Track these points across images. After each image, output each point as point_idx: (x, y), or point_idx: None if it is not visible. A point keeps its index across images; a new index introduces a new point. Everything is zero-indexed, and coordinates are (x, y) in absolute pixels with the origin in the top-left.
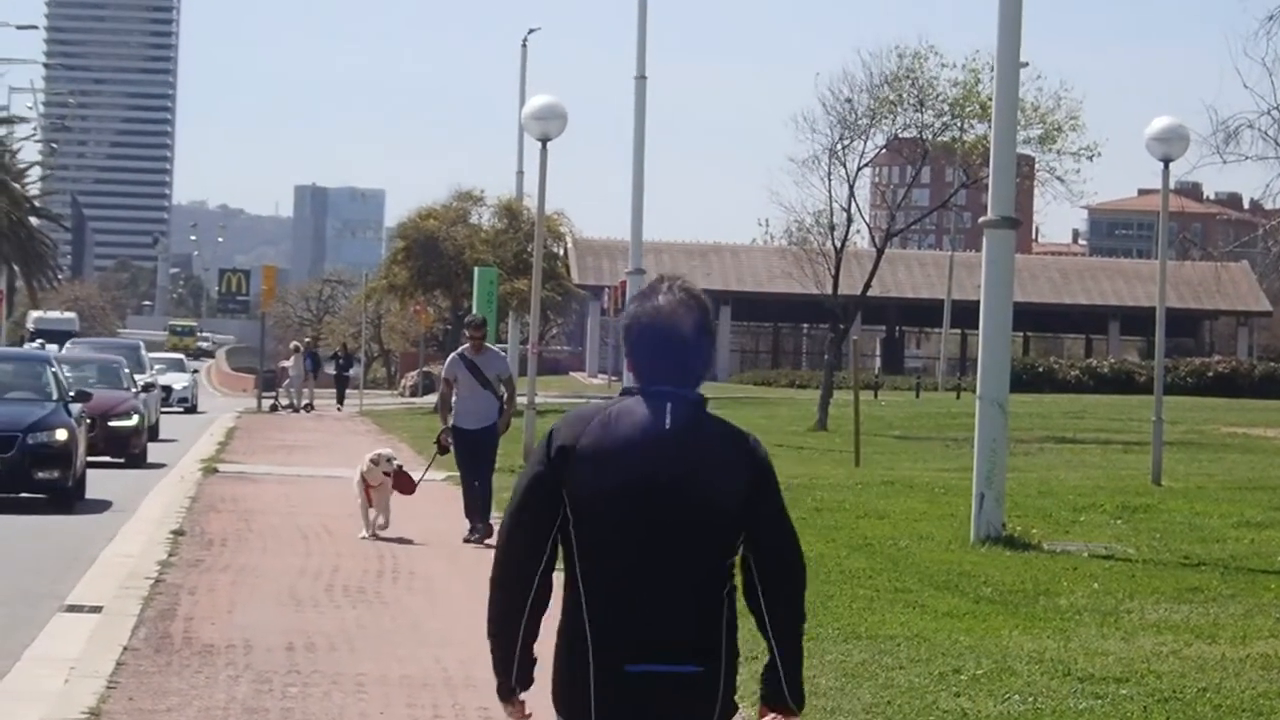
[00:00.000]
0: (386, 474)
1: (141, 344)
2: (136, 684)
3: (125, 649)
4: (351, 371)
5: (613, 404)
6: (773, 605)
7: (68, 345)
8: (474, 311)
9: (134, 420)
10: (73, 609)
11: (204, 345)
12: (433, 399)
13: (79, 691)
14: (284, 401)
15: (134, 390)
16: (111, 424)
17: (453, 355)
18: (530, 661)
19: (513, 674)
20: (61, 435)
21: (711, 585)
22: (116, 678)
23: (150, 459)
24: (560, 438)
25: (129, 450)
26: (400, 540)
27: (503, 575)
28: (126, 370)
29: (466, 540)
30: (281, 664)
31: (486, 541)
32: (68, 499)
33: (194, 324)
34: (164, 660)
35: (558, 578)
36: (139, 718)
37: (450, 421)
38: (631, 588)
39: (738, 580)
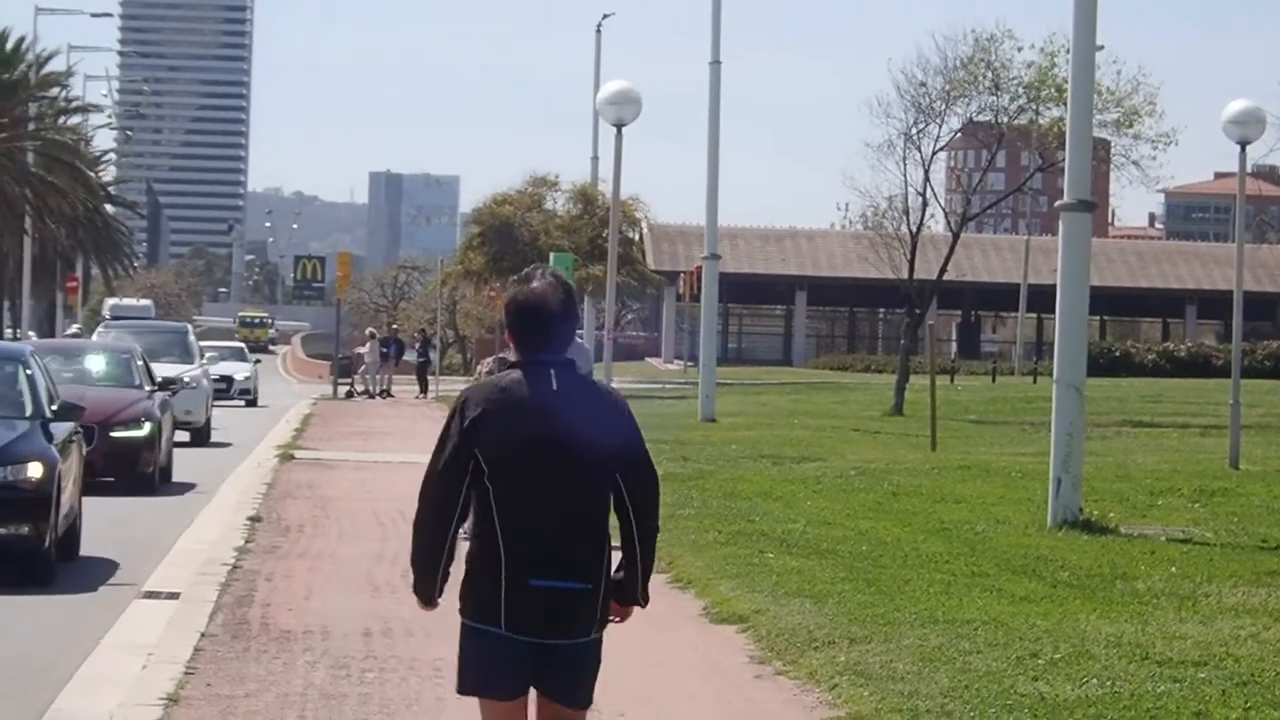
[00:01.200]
0: None
1: (189, 327)
2: (214, 670)
3: (203, 635)
4: (428, 358)
5: (504, 376)
6: (641, 522)
7: (97, 330)
8: None
9: (144, 430)
10: (150, 595)
11: (272, 335)
12: None
13: (157, 677)
14: (359, 388)
15: (147, 388)
16: (114, 435)
17: None
18: (445, 581)
19: (434, 595)
20: (35, 471)
21: (597, 516)
22: (194, 664)
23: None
24: (470, 408)
25: (136, 469)
26: None
27: (427, 520)
28: (139, 363)
29: None
30: (358, 649)
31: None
32: (43, 565)
33: (264, 315)
34: (241, 646)
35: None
36: (217, 704)
37: None
38: (536, 520)
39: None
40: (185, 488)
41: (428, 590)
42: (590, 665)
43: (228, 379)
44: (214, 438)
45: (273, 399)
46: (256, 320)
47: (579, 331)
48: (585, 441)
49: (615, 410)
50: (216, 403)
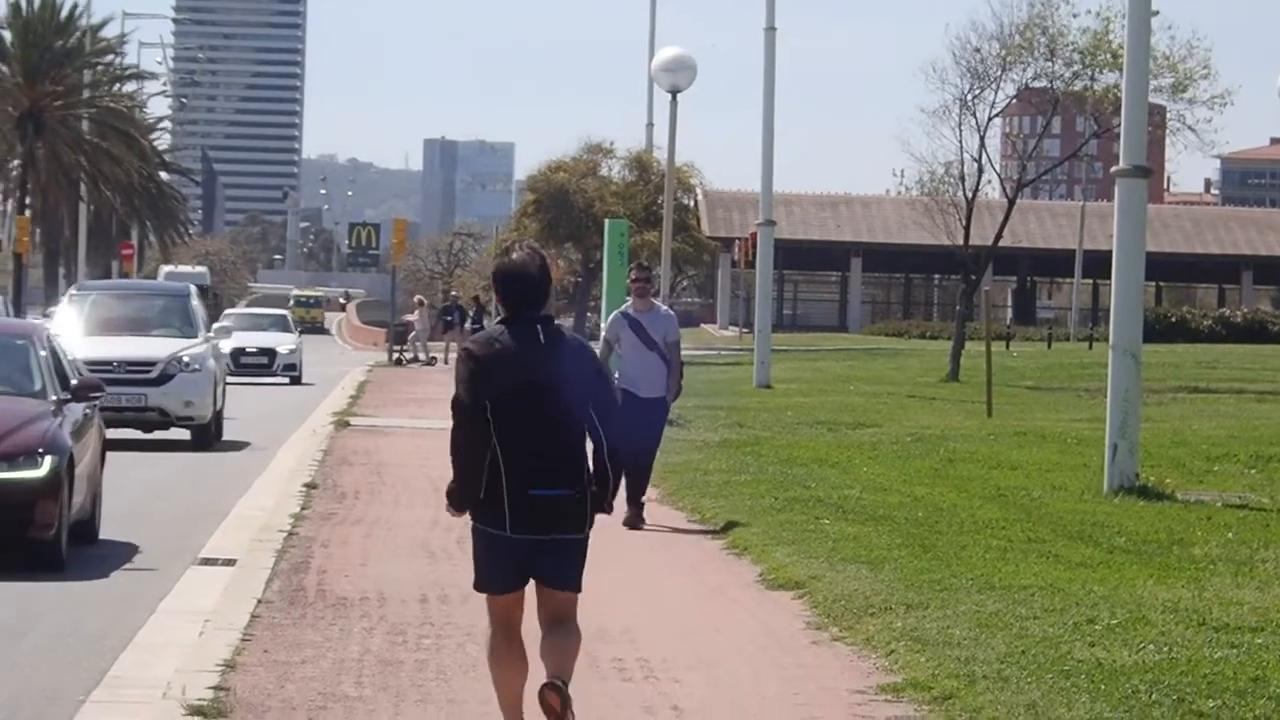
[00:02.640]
0: None
1: (193, 289)
2: (271, 636)
3: (259, 602)
4: (484, 325)
5: (495, 330)
6: (613, 445)
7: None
8: (610, 263)
9: (41, 469)
10: (207, 562)
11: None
12: None
13: (214, 644)
14: (409, 355)
15: (54, 397)
16: None
17: (615, 313)
18: (481, 493)
19: (471, 498)
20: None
21: (578, 440)
22: (251, 630)
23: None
24: (475, 358)
25: (27, 533)
26: (602, 585)
27: (464, 448)
28: (43, 354)
29: (628, 525)
30: (415, 616)
31: (643, 527)
32: (52, 553)
33: (320, 294)
34: (298, 613)
35: None
36: (273, 670)
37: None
38: (531, 444)
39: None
40: (238, 457)
41: (471, 498)
42: (579, 558)
43: (269, 352)
44: (228, 434)
45: (324, 368)
46: (313, 300)
47: (664, 299)
48: (569, 380)
49: (588, 357)
50: (256, 380)
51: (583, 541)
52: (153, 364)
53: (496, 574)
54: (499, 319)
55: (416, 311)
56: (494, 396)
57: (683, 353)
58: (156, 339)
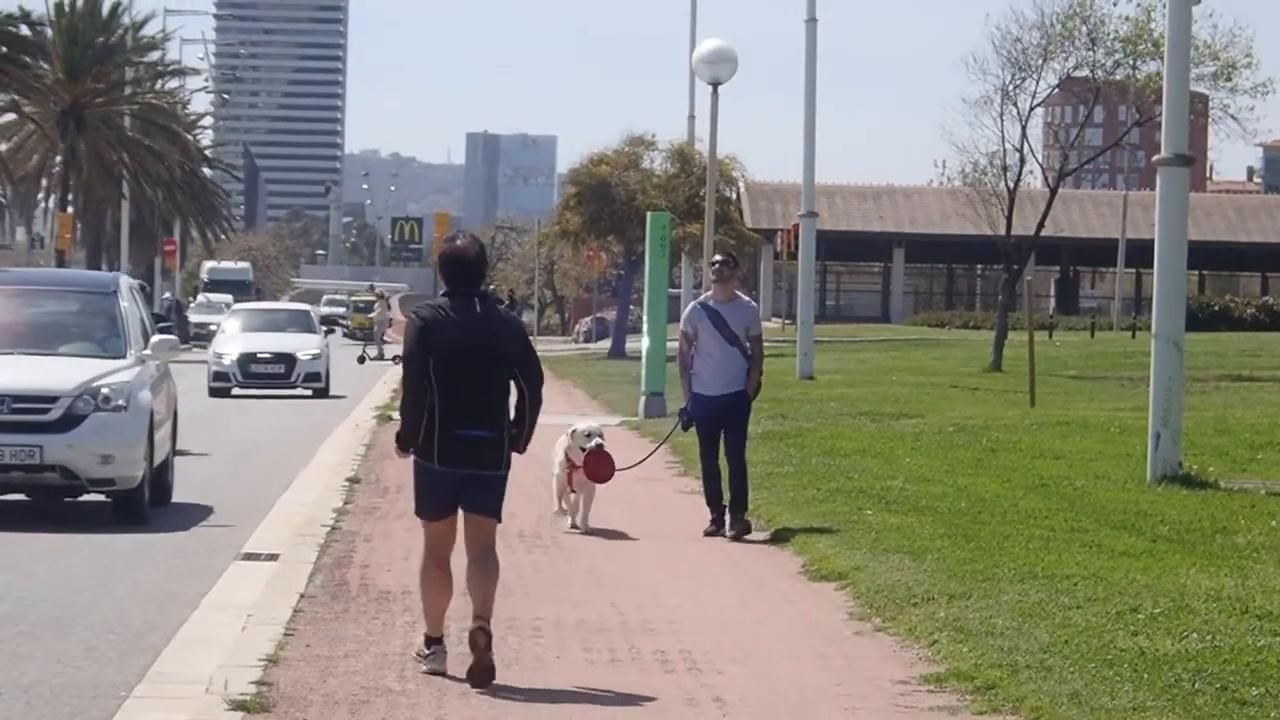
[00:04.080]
0: (583, 450)
1: (120, 280)
2: (313, 631)
3: (302, 596)
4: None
5: (439, 301)
6: (532, 396)
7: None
8: (651, 255)
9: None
10: (250, 557)
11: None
12: (605, 345)
13: (257, 638)
14: (373, 354)
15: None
16: None
17: (692, 304)
18: (421, 435)
19: (413, 441)
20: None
21: (501, 392)
22: (294, 625)
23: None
24: (422, 323)
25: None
26: (614, 535)
27: (411, 407)
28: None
29: (709, 534)
30: (457, 610)
31: (746, 537)
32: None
33: (377, 295)
34: (340, 607)
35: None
36: (316, 664)
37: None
38: (462, 394)
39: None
40: (282, 454)
41: (413, 441)
42: (498, 491)
43: (286, 359)
44: (185, 489)
45: (357, 376)
46: (370, 306)
47: (750, 294)
48: (495, 344)
49: (515, 326)
50: (272, 393)
51: (501, 477)
52: (51, 400)
53: (430, 501)
54: (443, 292)
55: (376, 305)
56: (436, 353)
57: None
58: (62, 361)
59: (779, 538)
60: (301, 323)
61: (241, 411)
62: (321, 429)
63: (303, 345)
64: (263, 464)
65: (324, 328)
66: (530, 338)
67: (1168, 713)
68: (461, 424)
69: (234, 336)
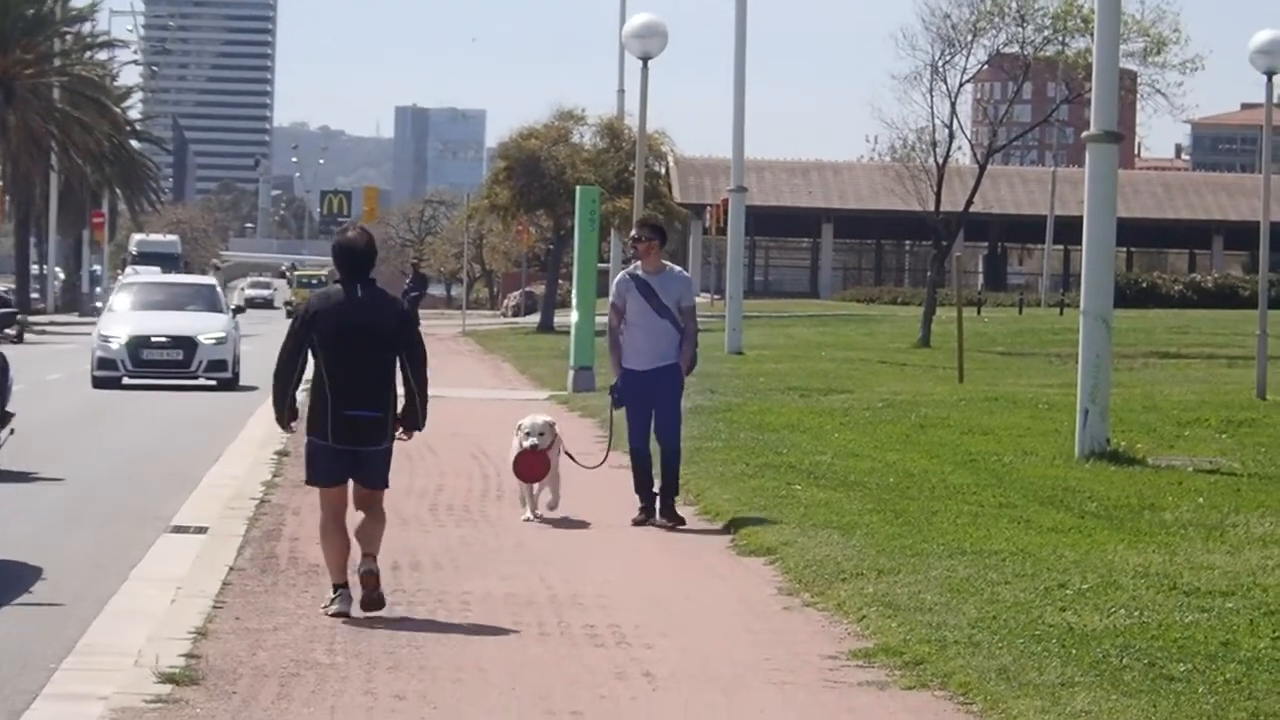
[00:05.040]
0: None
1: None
2: (243, 604)
3: (231, 569)
4: (423, 291)
5: (330, 288)
6: (416, 376)
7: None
8: (581, 230)
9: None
10: (178, 530)
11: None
12: (534, 319)
13: (186, 611)
14: None
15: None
16: None
17: (621, 275)
18: (295, 412)
19: (286, 421)
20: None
21: (387, 374)
22: (223, 598)
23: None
24: (310, 308)
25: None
26: (569, 523)
27: (281, 375)
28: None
29: (638, 523)
30: (387, 583)
31: (680, 528)
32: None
33: (323, 274)
34: (270, 580)
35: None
36: (246, 637)
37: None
38: (348, 375)
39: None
40: (210, 427)
41: (281, 418)
42: (384, 463)
43: (185, 343)
44: None
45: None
46: (317, 281)
47: (680, 267)
48: (377, 327)
49: (395, 307)
50: (165, 383)
51: (386, 450)
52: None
53: (325, 471)
54: (335, 279)
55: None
56: (321, 338)
57: None
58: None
59: (708, 512)
60: (205, 299)
61: (120, 411)
62: (217, 437)
63: (206, 327)
64: (116, 504)
65: (235, 306)
66: (419, 318)
67: (1095, 688)
68: (350, 405)
69: (123, 316)
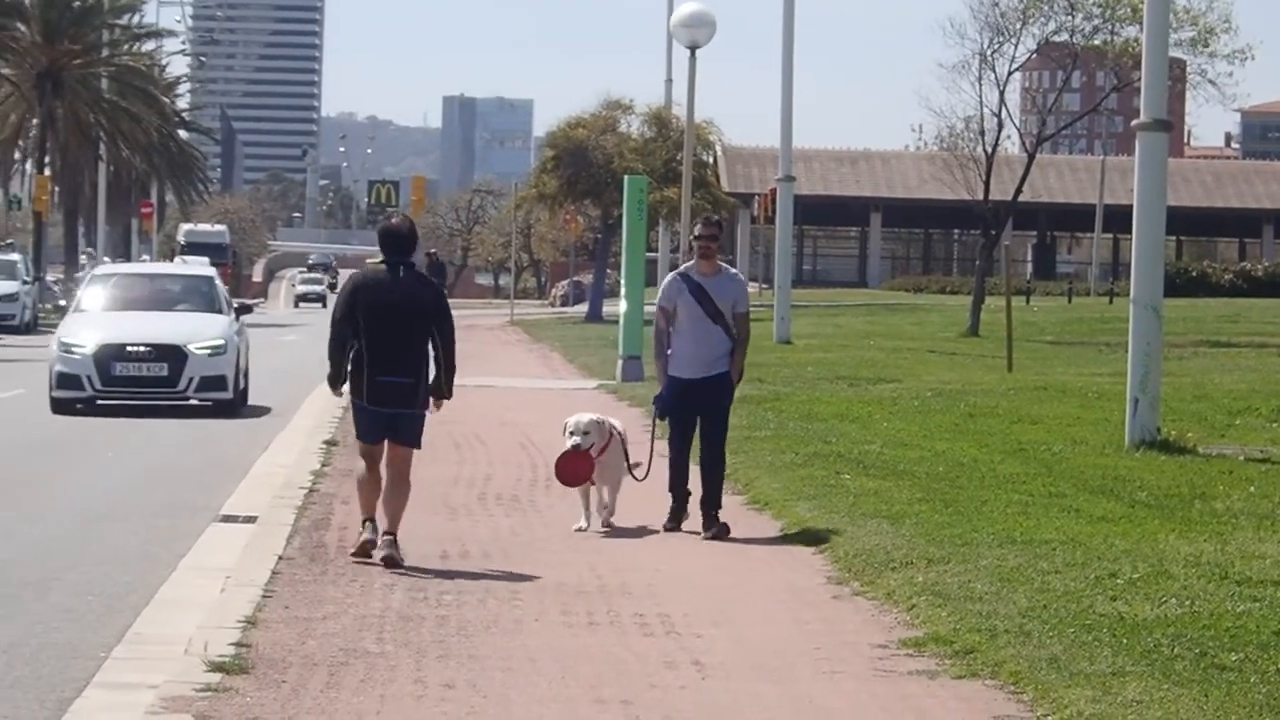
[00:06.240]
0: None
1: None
2: (292, 593)
3: (280, 558)
4: (443, 282)
5: (375, 268)
6: (445, 350)
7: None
8: (629, 219)
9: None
10: (228, 519)
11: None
12: (582, 309)
13: (235, 600)
14: None
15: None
16: None
17: (671, 276)
18: (344, 381)
19: (339, 387)
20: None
21: (419, 346)
22: (272, 587)
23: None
24: (353, 285)
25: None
26: (627, 545)
27: (334, 348)
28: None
29: (669, 529)
30: (436, 572)
31: (727, 538)
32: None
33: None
34: (319, 569)
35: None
36: (295, 626)
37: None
38: (385, 346)
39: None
40: (261, 414)
41: (336, 384)
42: (417, 427)
43: (171, 353)
44: None
45: (285, 383)
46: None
47: (682, 256)
48: (413, 305)
49: (431, 289)
50: (145, 402)
51: (418, 415)
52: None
53: (364, 429)
54: (380, 260)
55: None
56: (363, 312)
57: None
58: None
59: (757, 501)
60: (200, 296)
61: (83, 446)
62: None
63: (199, 332)
64: (167, 495)
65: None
66: (449, 300)
67: (1147, 677)
68: (384, 372)
69: (93, 318)
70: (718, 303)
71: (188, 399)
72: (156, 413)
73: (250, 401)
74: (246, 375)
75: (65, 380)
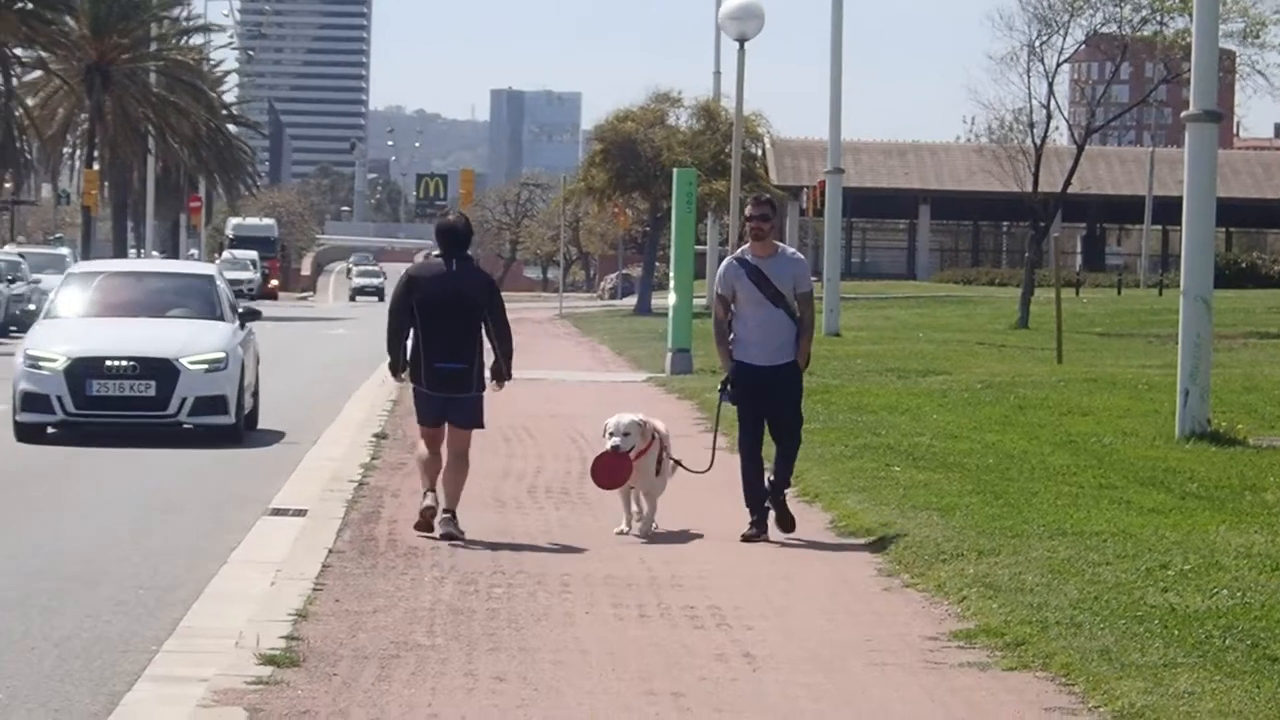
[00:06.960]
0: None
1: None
2: (342, 586)
3: (330, 552)
4: None
5: (435, 261)
6: (500, 338)
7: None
8: (678, 212)
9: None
10: (278, 513)
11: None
12: (631, 302)
13: (286, 593)
14: None
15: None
16: None
17: (727, 260)
18: (405, 364)
19: (399, 371)
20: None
21: (474, 334)
22: (322, 580)
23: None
24: (411, 276)
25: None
26: (677, 537)
27: (391, 336)
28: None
29: (748, 538)
30: (486, 565)
31: (789, 537)
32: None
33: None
34: (369, 563)
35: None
36: (345, 619)
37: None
38: (440, 335)
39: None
40: (310, 410)
41: (395, 369)
42: (474, 409)
43: (159, 369)
44: None
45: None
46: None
47: (791, 247)
48: (467, 295)
49: (485, 280)
50: (129, 422)
51: (475, 398)
52: None
53: (424, 414)
54: (436, 254)
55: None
56: (419, 302)
57: None
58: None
59: (807, 493)
60: (198, 300)
61: (50, 485)
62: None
63: (193, 343)
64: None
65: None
66: (501, 293)
67: (1198, 669)
68: (439, 358)
69: (67, 327)
70: (777, 285)
71: (178, 422)
72: (141, 439)
73: (279, 412)
74: (255, 394)
75: (31, 401)
